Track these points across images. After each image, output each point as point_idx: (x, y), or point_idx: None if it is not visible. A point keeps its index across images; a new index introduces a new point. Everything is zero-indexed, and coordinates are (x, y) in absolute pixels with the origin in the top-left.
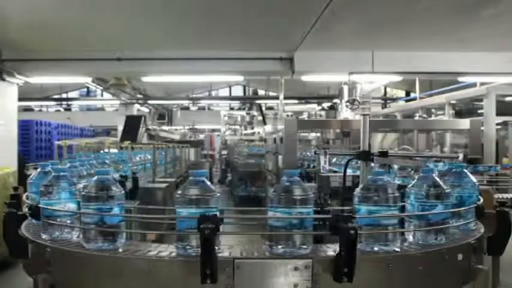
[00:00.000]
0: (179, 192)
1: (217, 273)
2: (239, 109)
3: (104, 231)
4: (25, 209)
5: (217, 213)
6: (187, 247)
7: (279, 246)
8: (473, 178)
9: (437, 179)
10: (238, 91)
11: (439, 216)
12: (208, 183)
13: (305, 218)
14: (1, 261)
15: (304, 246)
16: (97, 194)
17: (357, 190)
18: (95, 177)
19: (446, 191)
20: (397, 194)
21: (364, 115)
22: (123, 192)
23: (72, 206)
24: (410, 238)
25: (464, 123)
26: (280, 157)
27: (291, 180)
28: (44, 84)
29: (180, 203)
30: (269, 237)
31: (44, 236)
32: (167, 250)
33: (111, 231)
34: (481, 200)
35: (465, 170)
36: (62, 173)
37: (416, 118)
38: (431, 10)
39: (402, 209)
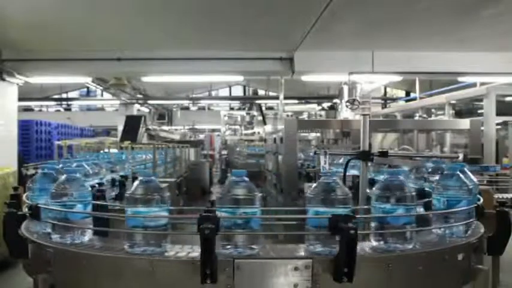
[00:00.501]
0: (128, 192)
1: (217, 273)
2: (239, 109)
3: (68, 227)
4: (25, 209)
5: (166, 213)
6: (135, 246)
7: (228, 246)
8: (467, 181)
9: (404, 181)
10: (238, 91)
11: (397, 220)
12: (157, 182)
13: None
14: (1, 261)
15: (253, 246)
16: (62, 192)
17: (309, 191)
18: (63, 176)
19: (409, 194)
20: (349, 195)
21: (364, 115)
22: (89, 190)
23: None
24: (373, 242)
25: (464, 123)
26: (280, 157)
27: (237, 180)
28: (44, 84)
29: (129, 202)
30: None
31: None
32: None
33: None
34: (481, 200)
35: (458, 173)
36: (46, 171)
37: (416, 118)
38: (431, 10)
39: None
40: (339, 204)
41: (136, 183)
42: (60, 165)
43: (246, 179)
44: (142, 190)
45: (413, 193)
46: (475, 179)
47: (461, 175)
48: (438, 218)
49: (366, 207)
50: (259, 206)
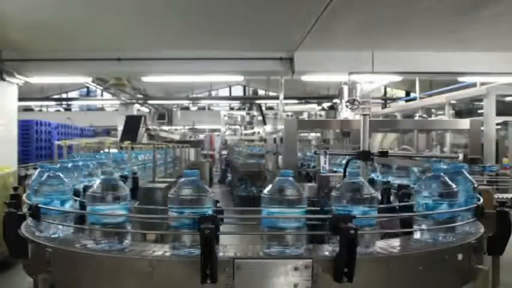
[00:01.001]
0: (90, 190)
1: (217, 273)
2: (239, 109)
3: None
4: (25, 209)
5: (125, 211)
6: (103, 242)
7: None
8: (452, 184)
9: (365, 183)
10: (238, 91)
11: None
12: (120, 184)
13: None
14: (1, 261)
15: (193, 250)
16: (40, 188)
17: (264, 192)
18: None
19: (367, 196)
20: (304, 196)
21: (364, 115)
22: (68, 188)
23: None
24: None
25: (464, 123)
26: (280, 157)
27: (186, 181)
28: (44, 84)
29: (89, 200)
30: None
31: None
32: (169, 250)
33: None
34: (481, 200)
35: (442, 175)
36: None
37: (416, 118)
38: (431, 10)
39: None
40: (292, 204)
41: (97, 181)
42: (70, 164)
43: (197, 178)
44: (101, 188)
45: (374, 195)
46: (473, 181)
47: (445, 178)
48: (418, 221)
49: (330, 208)
50: (211, 206)
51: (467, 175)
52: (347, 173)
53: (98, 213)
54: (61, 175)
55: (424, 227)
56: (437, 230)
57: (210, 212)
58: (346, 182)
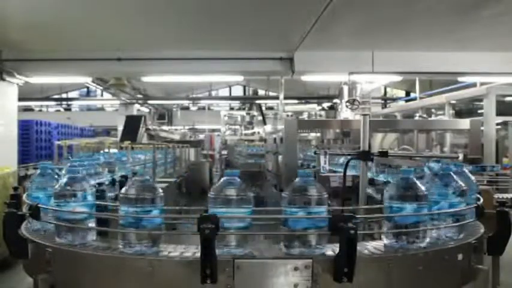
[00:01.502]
0: (57, 187)
1: (217, 273)
2: (239, 109)
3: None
4: (25, 209)
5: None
6: (62, 236)
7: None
8: (421, 187)
9: (314, 184)
10: (238, 91)
11: (299, 224)
12: (83, 182)
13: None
14: (1, 261)
15: (138, 248)
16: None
17: (209, 192)
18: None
19: (313, 197)
20: (250, 196)
21: (364, 115)
22: (52, 184)
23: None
24: (282, 246)
25: (464, 123)
26: (280, 157)
27: (140, 180)
28: (44, 84)
29: (56, 197)
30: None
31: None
32: (166, 250)
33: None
34: (481, 200)
35: (411, 177)
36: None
37: (416, 118)
38: (431, 10)
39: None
40: (236, 204)
41: (64, 179)
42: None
43: (148, 178)
44: (64, 186)
45: (324, 196)
46: (461, 184)
47: (414, 180)
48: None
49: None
50: (160, 205)
51: (455, 177)
52: (299, 173)
53: (59, 209)
54: (52, 173)
55: (385, 230)
56: (402, 235)
57: (156, 211)
58: (295, 182)
